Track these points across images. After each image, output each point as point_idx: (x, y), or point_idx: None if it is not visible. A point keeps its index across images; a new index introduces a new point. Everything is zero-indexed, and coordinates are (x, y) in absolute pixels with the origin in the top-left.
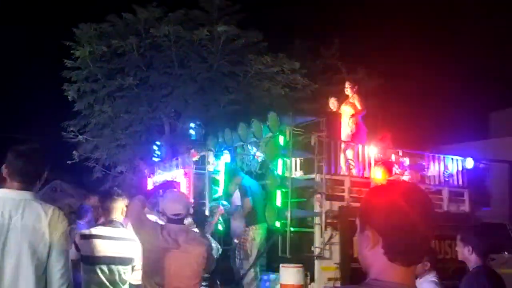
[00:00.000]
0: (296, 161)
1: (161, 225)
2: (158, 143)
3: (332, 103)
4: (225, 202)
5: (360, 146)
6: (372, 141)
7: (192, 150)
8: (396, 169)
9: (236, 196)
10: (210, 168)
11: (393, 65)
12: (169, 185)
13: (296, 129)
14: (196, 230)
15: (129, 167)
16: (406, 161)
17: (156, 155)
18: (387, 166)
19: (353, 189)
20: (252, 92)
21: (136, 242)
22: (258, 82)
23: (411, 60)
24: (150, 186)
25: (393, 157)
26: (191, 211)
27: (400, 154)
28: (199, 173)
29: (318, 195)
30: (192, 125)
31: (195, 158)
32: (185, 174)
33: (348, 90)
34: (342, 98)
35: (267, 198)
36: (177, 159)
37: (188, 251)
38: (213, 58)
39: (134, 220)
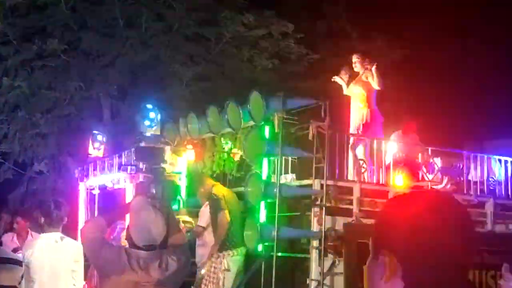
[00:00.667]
0: (287, 161)
1: (125, 248)
2: (94, 132)
3: (343, 76)
4: (187, 218)
5: (375, 142)
6: (392, 134)
7: (143, 144)
8: (423, 173)
9: (205, 210)
10: (167, 169)
11: (421, 31)
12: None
13: (288, 116)
14: None
15: (52, 166)
16: (438, 162)
17: (91, 150)
18: (412, 169)
19: (364, 200)
20: (228, 64)
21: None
22: (235, 50)
23: (445, 25)
24: (82, 193)
25: (419, 157)
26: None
27: (430, 152)
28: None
29: (317, 208)
30: (149, 106)
31: None
32: (132, 177)
33: (356, 66)
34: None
35: (246, 212)
36: (120, 156)
37: (163, 284)
38: (173, 16)
39: (88, 247)
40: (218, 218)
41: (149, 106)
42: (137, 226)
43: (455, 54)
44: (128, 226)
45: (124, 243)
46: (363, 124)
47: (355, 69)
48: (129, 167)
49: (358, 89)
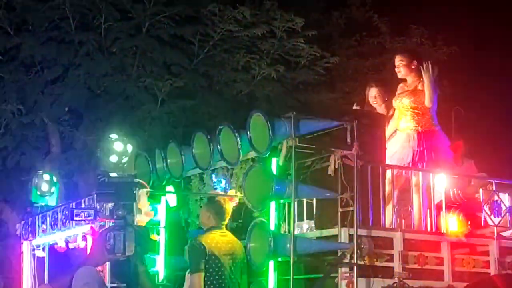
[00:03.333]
0: (302, 204)
1: None
2: (38, 172)
3: (374, 97)
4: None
5: (430, 176)
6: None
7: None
8: (486, 216)
9: None
10: (140, 219)
11: (473, 24)
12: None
13: (301, 144)
14: None
15: None
16: (505, 200)
17: (37, 196)
18: (470, 210)
19: (409, 255)
20: (216, 74)
21: None
22: (226, 55)
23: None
24: (26, 256)
25: (480, 194)
26: None
27: (494, 187)
28: (119, 230)
29: (345, 268)
30: (113, 136)
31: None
32: (94, 233)
33: (401, 70)
34: (390, 87)
35: (250, 274)
36: (79, 203)
37: None
38: (143, 12)
39: None
40: (189, 280)
41: (113, 135)
42: None
43: None
44: None
45: None
46: (414, 151)
47: (399, 75)
48: (83, 213)
49: (408, 101)
